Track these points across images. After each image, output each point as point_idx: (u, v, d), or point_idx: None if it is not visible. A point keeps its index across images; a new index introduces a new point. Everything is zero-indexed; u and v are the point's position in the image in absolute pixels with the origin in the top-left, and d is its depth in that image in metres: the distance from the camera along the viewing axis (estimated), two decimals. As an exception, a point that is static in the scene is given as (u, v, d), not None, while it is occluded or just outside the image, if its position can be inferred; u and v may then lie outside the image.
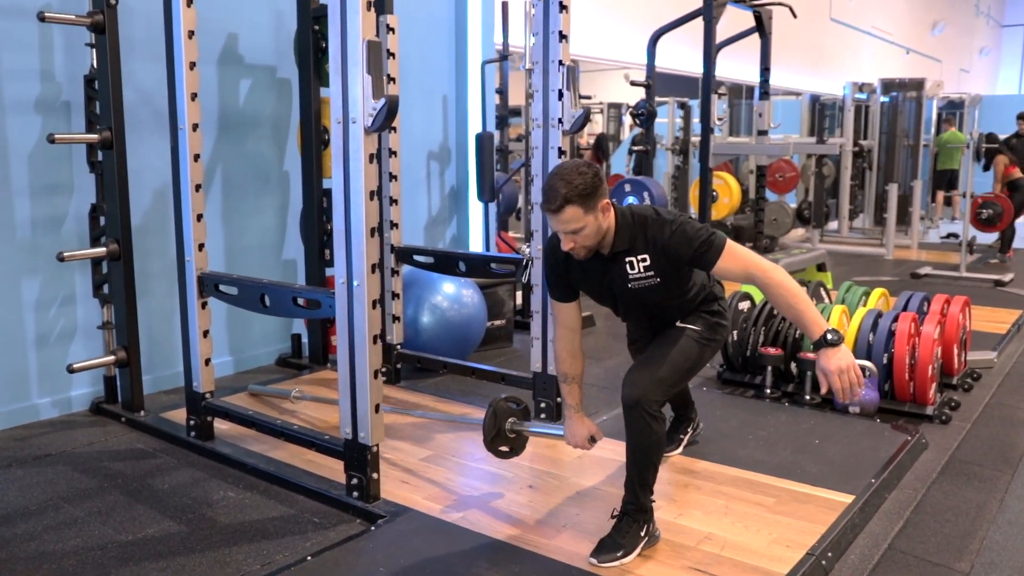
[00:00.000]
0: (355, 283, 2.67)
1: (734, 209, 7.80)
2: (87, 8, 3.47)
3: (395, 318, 4.17)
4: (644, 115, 6.20)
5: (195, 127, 3.18)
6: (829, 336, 2.27)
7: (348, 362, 2.74)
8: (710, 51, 5.85)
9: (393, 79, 3.95)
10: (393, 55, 3.93)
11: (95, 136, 3.47)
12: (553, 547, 2.52)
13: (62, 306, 3.76)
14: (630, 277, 2.50)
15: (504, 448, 2.90)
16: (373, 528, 2.64)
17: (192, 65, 3.15)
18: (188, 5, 3.12)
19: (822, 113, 9.48)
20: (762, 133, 6.69)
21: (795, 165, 8.69)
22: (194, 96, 3.17)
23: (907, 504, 2.90)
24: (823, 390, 2.31)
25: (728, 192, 7.65)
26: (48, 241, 3.67)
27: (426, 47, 5.46)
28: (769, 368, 3.97)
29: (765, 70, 6.73)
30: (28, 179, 3.60)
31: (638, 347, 2.85)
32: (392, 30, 3.91)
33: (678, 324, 2.60)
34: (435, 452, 3.29)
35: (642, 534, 2.46)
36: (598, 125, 12.24)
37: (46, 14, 3.28)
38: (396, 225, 4.09)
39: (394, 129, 4.00)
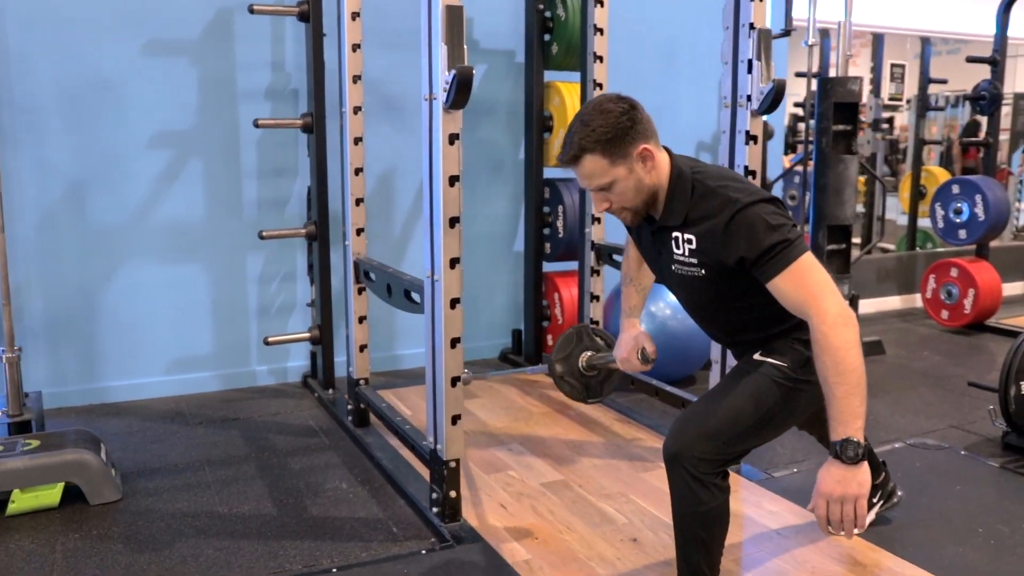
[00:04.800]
0: (436, 278, 2.40)
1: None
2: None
3: (594, 322, 3.79)
4: (986, 100, 4.95)
5: (356, 110, 3.15)
6: (846, 447, 1.56)
7: (431, 365, 2.48)
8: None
9: (600, 57, 3.59)
10: (601, 31, 3.57)
11: (298, 121, 3.62)
12: (593, 622, 2.03)
13: (283, 282, 4.02)
14: (675, 257, 1.88)
15: (575, 383, 2.53)
16: (423, 552, 2.37)
17: (355, 47, 3.11)
18: (351, -14, 3.08)
19: None
20: None
21: None
22: (356, 79, 3.13)
23: None
24: (809, 505, 1.62)
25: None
26: (272, 220, 3.92)
27: (697, 27, 4.90)
28: (1059, 438, 2.88)
29: None
30: (256, 162, 3.88)
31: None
32: (600, 3, 3.53)
33: (756, 357, 1.88)
34: (565, 478, 2.89)
35: (696, 631, 1.87)
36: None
37: (255, 6, 3.48)
38: (598, 220, 3.70)
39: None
